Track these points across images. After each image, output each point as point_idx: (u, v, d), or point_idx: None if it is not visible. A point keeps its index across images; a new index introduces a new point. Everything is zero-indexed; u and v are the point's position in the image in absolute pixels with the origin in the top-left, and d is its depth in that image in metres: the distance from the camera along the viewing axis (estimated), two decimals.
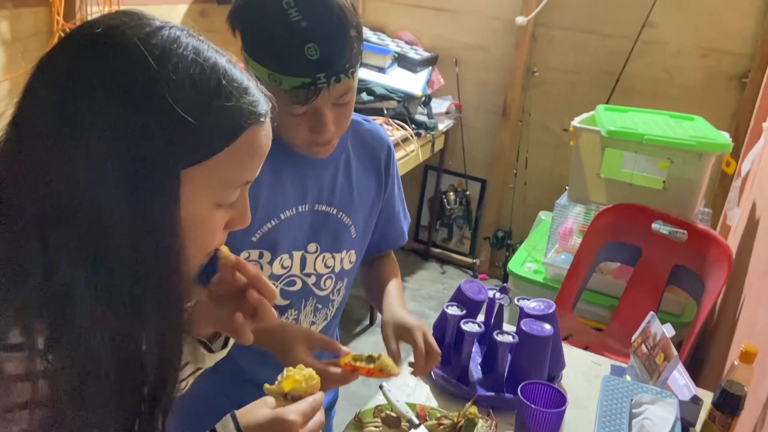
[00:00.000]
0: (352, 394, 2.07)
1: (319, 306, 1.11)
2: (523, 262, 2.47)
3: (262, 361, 1.11)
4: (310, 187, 1.04)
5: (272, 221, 1.00)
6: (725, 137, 2.06)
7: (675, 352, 1.17)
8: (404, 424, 1.07)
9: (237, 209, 0.60)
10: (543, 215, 2.72)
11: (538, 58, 3.17)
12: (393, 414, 1.08)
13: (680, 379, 1.22)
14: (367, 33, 3.26)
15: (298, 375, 0.72)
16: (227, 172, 0.56)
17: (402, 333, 1.06)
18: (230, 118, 0.54)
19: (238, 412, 0.68)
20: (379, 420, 1.08)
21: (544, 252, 2.40)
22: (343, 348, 0.97)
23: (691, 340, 1.77)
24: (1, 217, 0.50)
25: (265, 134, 0.58)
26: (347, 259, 1.11)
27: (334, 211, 1.07)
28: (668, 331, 1.21)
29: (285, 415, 0.67)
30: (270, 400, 0.70)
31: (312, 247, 1.06)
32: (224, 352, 0.77)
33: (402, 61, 3.12)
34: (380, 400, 1.13)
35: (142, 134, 0.50)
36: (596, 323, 2.22)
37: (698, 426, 1.18)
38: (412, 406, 1.11)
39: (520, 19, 3.06)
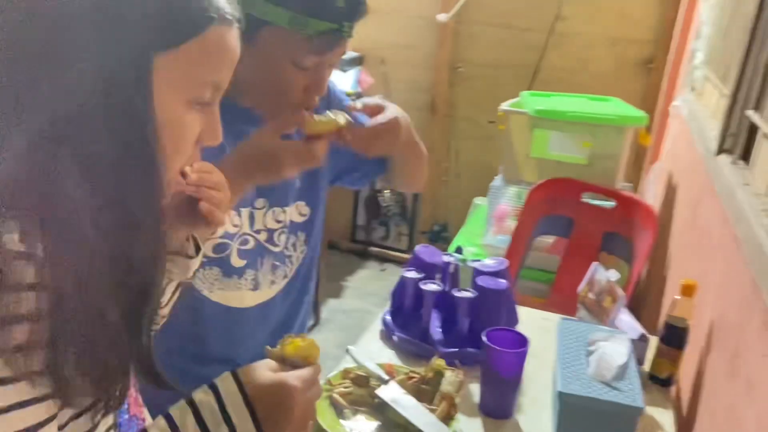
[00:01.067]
0: None
1: (276, 263, 1.09)
2: (463, 258, 2.53)
3: (232, 339, 1.09)
4: None
5: None
6: (641, 112, 2.21)
7: (621, 292, 1.24)
8: (374, 383, 1.07)
9: (207, 119, 0.61)
10: (478, 201, 2.80)
11: (461, 54, 3.28)
12: (362, 374, 1.09)
13: (627, 321, 1.29)
14: None
15: (301, 342, 0.72)
16: (198, 66, 0.56)
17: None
18: (200, 7, 0.55)
19: (239, 371, 0.67)
20: (349, 381, 1.08)
21: (482, 235, 2.47)
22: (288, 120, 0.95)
23: (627, 298, 1.86)
24: None
25: (234, 39, 0.59)
26: (297, 212, 1.10)
27: None
28: (612, 275, 1.29)
29: (288, 380, 0.67)
30: (271, 363, 0.70)
31: (259, 203, 1.05)
32: (200, 256, 0.77)
33: None
34: (348, 363, 1.14)
35: (114, 11, 0.50)
36: (537, 299, 2.31)
37: (647, 363, 1.26)
38: (380, 366, 1.11)
39: (441, 17, 3.16)
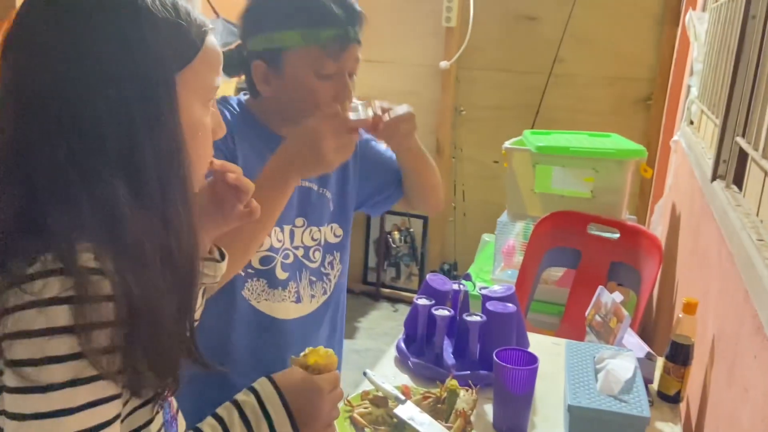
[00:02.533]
0: None
1: (313, 278, 1.19)
2: (472, 284, 2.58)
3: (275, 351, 1.16)
4: None
5: None
6: (640, 146, 2.29)
7: (626, 313, 1.29)
8: (392, 403, 1.12)
9: (215, 119, 0.70)
10: (486, 237, 2.86)
11: (463, 98, 3.40)
12: (380, 394, 1.13)
13: (634, 342, 1.34)
14: None
15: (321, 351, 0.82)
16: (205, 73, 0.65)
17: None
18: (196, 25, 0.65)
19: (273, 375, 0.77)
20: (368, 401, 1.13)
21: (491, 271, 2.53)
22: (334, 105, 1.03)
23: (636, 326, 1.90)
24: (41, 156, 0.57)
25: (216, 44, 0.69)
26: (331, 233, 1.20)
27: (316, 187, 1.17)
28: (617, 297, 1.34)
29: (316, 381, 0.77)
30: (299, 369, 0.80)
31: (299, 221, 1.15)
32: (226, 261, 0.84)
33: None
34: (366, 386, 1.19)
35: (138, 46, 0.59)
36: (548, 332, 2.34)
37: (656, 382, 1.30)
38: (397, 387, 1.16)
39: (444, 64, 3.30)
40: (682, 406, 1.26)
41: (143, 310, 0.56)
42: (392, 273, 3.71)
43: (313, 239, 1.18)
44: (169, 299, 0.59)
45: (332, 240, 1.21)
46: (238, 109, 1.12)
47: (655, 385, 1.29)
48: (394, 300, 3.69)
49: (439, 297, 1.36)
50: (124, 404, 0.60)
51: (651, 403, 1.22)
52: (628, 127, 3.06)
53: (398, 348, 1.37)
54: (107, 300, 0.54)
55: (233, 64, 1.08)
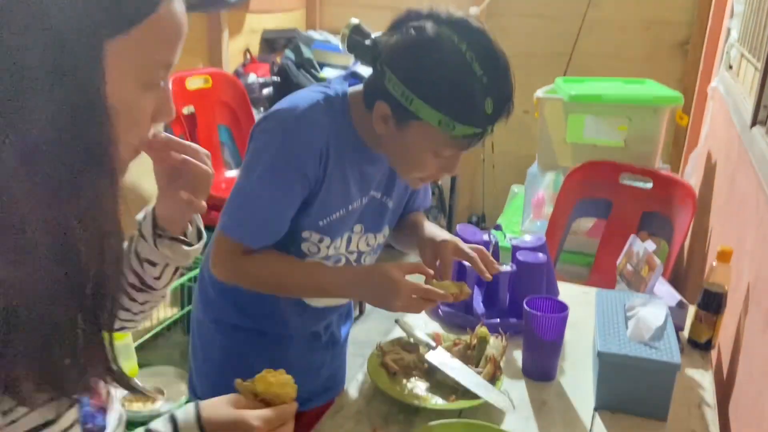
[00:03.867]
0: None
1: None
2: (502, 234, 2.58)
3: (306, 315, 1.19)
4: (371, 179, 1.11)
5: (340, 211, 1.07)
6: (676, 92, 2.22)
7: (658, 261, 1.28)
8: (422, 349, 1.14)
9: (161, 98, 0.58)
10: (516, 188, 2.84)
11: None
12: (411, 341, 1.16)
13: (665, 290, 1.33)
14: (327, 36, 3.36)
15: (272, 378, 0.70)
16: (151, 47, 0.53)
17: (437, 249, 1.13)
18: None
19: (201, 404, 0.67)
20: (400, 347, 1.16)
21: (520, 222, 2.52)
22: (428, 271, 1.07)
23: (667, 275, 1.89)
24: None
25: (182, 10, 0.56)
26: (383, 235, 1.19)
27: (379, 195, 1.14)
28: (649, 246, 1.33)
29: (248, 419, 0.65)
30: (235, 398, 0.69)
31: (358, 227, 1.13)
32: (201, 244, 0.78)
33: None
34: (398, 333, 1.21)
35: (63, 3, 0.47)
36: (577, 282, 2.34)
37: (687, 329, 1.30)
38: (428, 335, 1.18)
39: (474, 10, 3.21)
40: (713, 353, 1.26)
41: (28, 317, 0.48)
42: None
43: (368, 245, 1.16)
44: (68, 301, 0.50)
45: (381, 241, 1.20)
46: (339, 108, 1.03)
47: (685, 333, 1.29)
48: None
49: None
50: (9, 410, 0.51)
51: (681, 350, 1.22)
52: (664, 74, 2.96)
53: None
54: None
55: (365, 58, 0.99)
